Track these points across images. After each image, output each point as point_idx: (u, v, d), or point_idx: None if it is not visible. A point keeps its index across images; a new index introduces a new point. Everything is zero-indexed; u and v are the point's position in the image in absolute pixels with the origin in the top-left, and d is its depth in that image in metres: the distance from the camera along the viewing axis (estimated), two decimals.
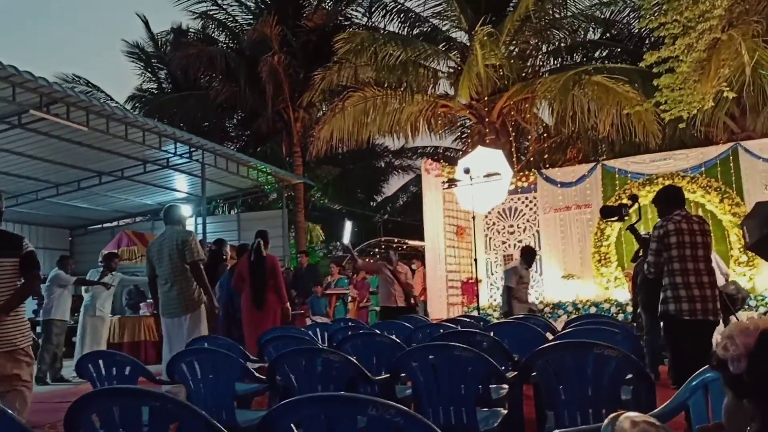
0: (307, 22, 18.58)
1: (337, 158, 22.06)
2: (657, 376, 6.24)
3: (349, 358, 3.38)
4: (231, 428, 3.35)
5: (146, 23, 21.70)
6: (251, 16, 20.13)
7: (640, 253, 6.27)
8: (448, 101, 14.45)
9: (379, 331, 4.85)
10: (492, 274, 12.71)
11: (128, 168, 13.59)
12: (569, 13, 15.02)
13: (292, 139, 18.95)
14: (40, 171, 12.92)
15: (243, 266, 7.23)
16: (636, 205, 5.22)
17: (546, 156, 15.23)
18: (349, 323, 6.71)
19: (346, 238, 10.05)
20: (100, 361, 3.90)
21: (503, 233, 12.74)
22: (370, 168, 26.29)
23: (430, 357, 3.30)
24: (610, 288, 11.27)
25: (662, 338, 6.42)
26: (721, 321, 4.46)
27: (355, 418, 1.74)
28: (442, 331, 4.79)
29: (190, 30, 21.48)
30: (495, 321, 8.42)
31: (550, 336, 4.71)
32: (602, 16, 15.77)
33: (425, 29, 16.30)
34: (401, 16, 16.35)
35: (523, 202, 12.62)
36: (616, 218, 5.32)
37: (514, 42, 14.71)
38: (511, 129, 14.53)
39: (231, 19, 20.46)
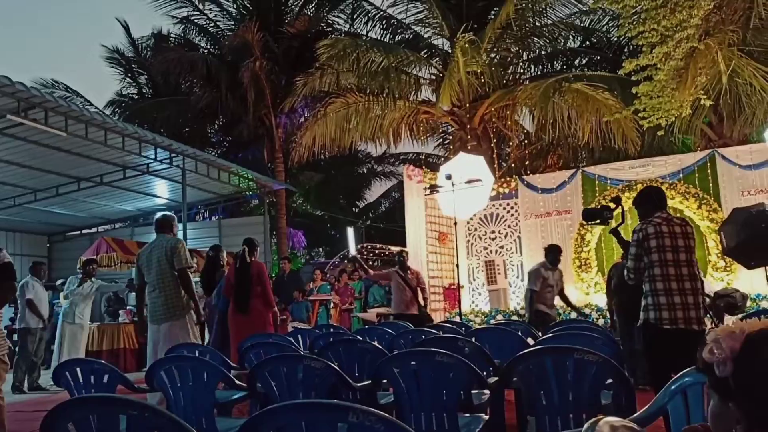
0: (289, 29, 18.57)
1: (319, 164, 22.03)
2: (636, 380, 6.28)
3: (331, 364, 3.36)
4: None
5: (126, 28, 21.56)
6: (233, 22, 20.08)
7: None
8: (430, 108, 14.50)
9: (360, 338, 4.83)
10: (474, 280, 12.74)
11: (108, 174, 13.47)
12: (549, 22, 15.17)
13: (274, 145, 18.89)
14: (17, 177, 12.74)
15: (231, 273, 7.31)
16: (619, 208, 4.96)
17: (527, 162, 15.35)
18: (331, 329, 6.70)
19: (353, 249, 9.87)
20: (78, 369, 3.84)
21: (485, 239, 12.79)
22: (352, 174, 26.30)
23: (412, 363, 3.29)
24: (591, 293, 11.35)
25: (637, 343, 6.48)
26: (706, 330, 4.13)
27: (335, 425, 1.73)
28: (423, 337, 4.78)
29: (171, 35, 21.39)
30: (477, 327, 8.44)
31: (531, 341, 4.72)
32: (582, 25, 15.96)
33: (407, 36, 16.38)
34: (383, 23, 16.41)
35: (504, 208, 12.67)
36: (598, 221, 5.05)
37: (495, 49, 14.81)
38: (492, 135, 14.61)
39: (212, 24, 20.40)
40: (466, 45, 12.30)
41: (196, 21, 20.26)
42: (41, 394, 8.50)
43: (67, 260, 14.11)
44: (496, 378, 3.43)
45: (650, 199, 4.32)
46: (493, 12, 15.17)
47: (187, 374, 3.68)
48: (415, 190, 12.52)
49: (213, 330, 7.60)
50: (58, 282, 9.33)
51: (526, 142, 15.98)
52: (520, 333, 5.17)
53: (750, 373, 1.11)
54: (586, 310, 10.98)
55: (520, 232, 12.45)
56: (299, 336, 6.17)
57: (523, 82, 15.02)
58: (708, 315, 5.49)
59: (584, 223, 11.47)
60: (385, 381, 3.44)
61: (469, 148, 13.42)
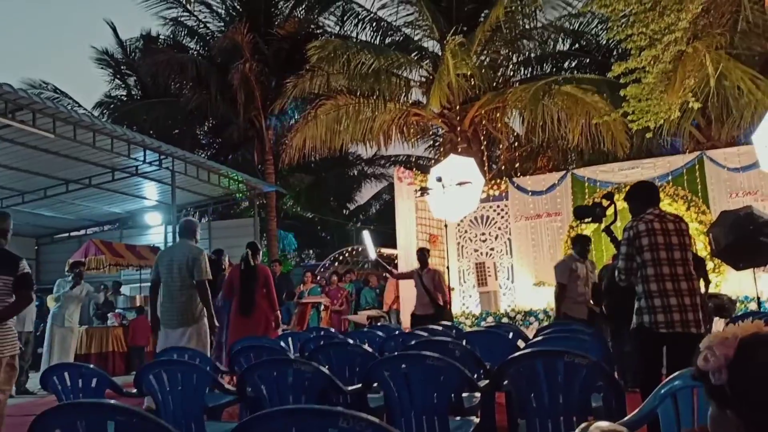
0: (279, 30, 18.53)
1: (309, 166, 22.00)
2: (626, 383, 6.28)
3: (321, 368, 3.35)
4: None
5: (114, 30, 21.43)
6: (222, 24, 20.02)
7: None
8: (421, 110, 14.52)
9: (351, 341, 4.82)
10: (464, 282, 12.75)
11: (96, 176, 13.39)
12: (539, 24, 15.23)
13: (264, 147, 18.84)
14: (4, 179, 12.64)
15: (233, 275, 7.51)
16: (612, 206, 4.70)
17: (517, 164, 15.39)
18: (322, 332, 6.68)
19: (372, 252, 9.67)
20: (66, 374, 3.81)
21: (475, 241, 12.80)
22: (342, 176, 26.28)
23: (403, 366, 3.29)
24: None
25: (628, 345, 6.48)
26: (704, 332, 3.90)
27: (326, 431, 1.72)
28: (414, 340, 4.78)
29: (161, 36, 21.29)
30: (467, 329, 8.46)
31: (521, 344, 4.73)
32: (571, 28, 16.02)
33: (397, 38, 16.38)
34: (374, 25, 16.41)
35: (494, 210, 12.70)
36: (590, 219, 4.79)
37: (485, 52, 14.85)
38: (482, 137, 14.64)
39: (202, 26, 20.32)
40: (456, 47, 12.32)
41: (185, 22, 20.18)
42: (29, 398, 8.42)
43: (55, 263, 14.00)
44: (487, 381, 3.43)
45: (642, 195, 4.11)
46: (483, 15, 15.20)
47: (176, 378, 3.66)
48: (406, 192, 12.53)
49: (223, 331, 7.68)
50: (56, 284, 9.26)
51: (516, 144, 16.03)
52: (510, 335, 5.18)
53: (745, 378, 1.10)
54: None
55: (510, 234, 12.47)
56: (289, 339, 6.15)
57: (513, 85, 15.07)
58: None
59: (573, 225, 11.59)
60: (375, 384, 3.44)
61: (459, 150, 13.44)
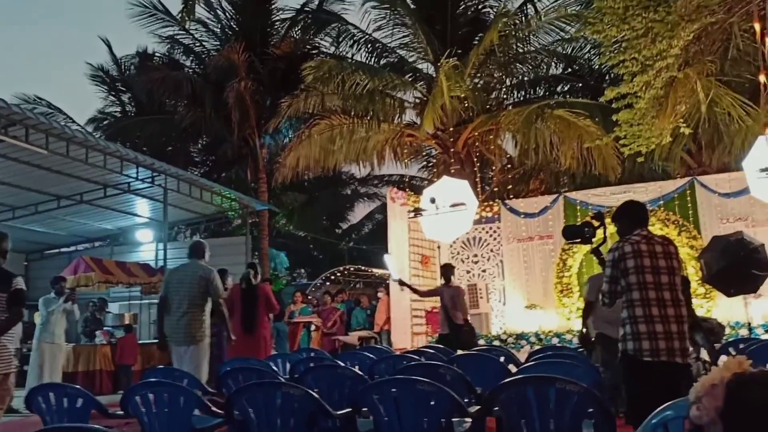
0: (275, 50, 18.62)
1: (302, 185, 21.98)
2: (617, 410, 6.21)
3: (310, 392, 3.31)
4: None
5: (109, 46, 21.48)
6: (218, 42, 20.09)
7: None
8: (414, 131, 14.58)
9: (341, 363, 4.78)
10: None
11: (88, 192, 13.33)
12: (532, 48, 15.37)
13: (258, 165, 18.83)
14: None
15: (234, 294, 7.68)
16: (602, 227, 4.47)
17: (510, 187, 15.45)
18: (312, 354, 6.63)
19: (395, 274, 9.50)
20: (51, 394, 3.76)
21: (467, 262, 12.79)
22: (335, 195, 26.27)
23: (393, 390, 3.26)
24: (572, 318, 11.37)
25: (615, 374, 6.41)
26: (693, 362, 3.77)
27: None
28: (405, 362, 4.74)
29: (156, 54, 21.34)
30: (459, 351, 8.38)
31: (513, 368, 4.70)
32: (564, 52, 16.18)
33: (392, 60, 16.49)
34: (368, 46, 16.52)
35: (487, 232, 12.71)
36: (579, 240, 4.57)
37: (478, 75, 14.96)
38: (475, 159, 14.70)
39: (198, 44, 20.38)
40: (450, 70, 12.42)
41: (181, 40, 20.24)
42: (14, 416, 8.28)
43: (45, 279, 13.79)
44: (478, 406, 3.40)
45: (630, 215, 3.95)
46: (477, 38, 15.34)
47: (163, 400, 3.62)
48: (399, 212, 12.53)
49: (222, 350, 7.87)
50: (40, 301, 9.14)
51: (509, 166, 16.10)
52: (501, 359, 5.15)
53: (740, 424, 1.09)
54: (567, 336, 11.00)
55: (502, 256, 12.48)
56: (279, 360, 6.09)
57: (506, 108, 15.17)
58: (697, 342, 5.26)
59: (566, 248, 11.62)
60: (365, 409, 3.40)
61: (452, 171, 13.48)
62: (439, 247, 10.17)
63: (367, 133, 14.27)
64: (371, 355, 5.69)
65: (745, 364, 1.13)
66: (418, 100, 15.03)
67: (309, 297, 14.83)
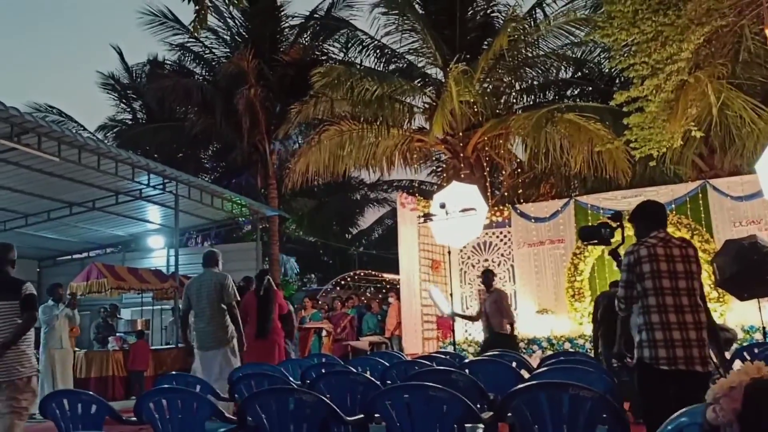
0: (284, 56, 18.72)
1: (312, 191, 22.04)
2: (635, 416, 6.16)
3: (322, 397, 3.32)
4: None
5: (121, 54, 21.67)
6: (228, 49, 20.23)
7: None
8: (424, 136, 14.58)
9: (353, 369, 4.78)
10: (467, 309, 12.67)
11: (100, 199, 13.42)
12: (542, 53, 15.35)
13: (268, 172, 18.91)
14: (8, 201, 12.69)
15: (249, 301, 7.90)
16: (620, 227, 4.27)
17: (520, 191, 15.41)
18: (323, 359, 6.64)
19: (447, 308, 9.40)
20: (65, 401, 3.78)
21: (478, 267, 12.74)
22: (345, 201, 26.31)
23: (405, 396, 3.26)
24: (584, 323, 11.31)
25: (627, 377, 6.37)
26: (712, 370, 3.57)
27: None
28: (417, 368, 4.74)
29: (167, 62, 21.50)
30: (470, 357, 8.36)
31: (525, 373, 4.68)
32: (574, 56, 16.16)
33: (401, 65, 16.53)
34: (377, 52, 16.57)
35: (497, 237, 12.67)
36: (596, 241, 4.39)
37: (488, 79, 14.96)
38: (485, 164, 14.68)
39: (208, 51, 20.53)
40: (459, 75, 12.42)
41: (191, 48, 20.40)
42: (28, 422, 8.33)
43: None
44: (491, 413, 3.39)
45: (647, 216, 3.79)
46: (486, 43, 15.35)
47: (176, 406, 3.63)
48: (409, 217, 12.52)
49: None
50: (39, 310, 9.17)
51: (519, 170, 16.06)
52: (514, 364, 5.13)
53: (757, 425, 1.08)
54: (579, 341, 10.94)
55: (513, 261, 12.42)
56: (289, 366, 6.10)
57: (516, 112, 15.15)
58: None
59: (576, 252, 11.56)
60: (377, 415, 3.40)
61: (462, 176, 13.47)
62: (449, 252, 10.12)
63: (376, 138, 14.28)
64: (383, 361, 5.69)
65: (764, 370, 1.13)
66: (427, 106, 15.04)
67: (319, 302, 14.83)
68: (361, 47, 16.91)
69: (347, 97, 14.06)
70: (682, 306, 3.49)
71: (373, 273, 21.69)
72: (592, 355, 7.44)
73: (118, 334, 12.06)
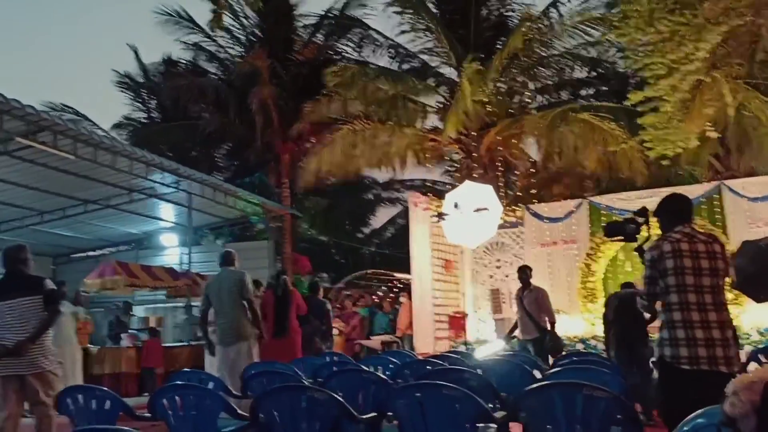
0: (298, 56, 18.76)
1: (325, 190, 22.05)
2: (648, 418, 6.12)
3: (335, 395, 3.32)
4: None
5: (136, 53, 21.84)
6: (242, 49, 20.30)
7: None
8: (437, 135, 14.57)
9: (365, 367, 4.79)
10: (479, 308, 12.66)
11: (114, 197, 13.51)
12: (556, 52, 15.27)
13: (281, 170, 18.96)
14: (24, 198, 12.80)
15: (268, 300, 8.11)
16: (645, 223, 4.10)
17: (533, 191, 15.34)
18: (335, 357, 6.65)
19: (504, 338, 9.17)
20: (80, 396, 3.81)
21: (490, 267, 12.73)
22: (357, 200, 26.31)
23: (418, 395, 3.26)
24: (597, 324, 11.24)
25: (638, 379, 6.33)
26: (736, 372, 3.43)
27: None
28: (429, 367, 4.74)
29: (181, 61, 21.63)
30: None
31: (537, 374, 4.67)
32: (589, 55, 16.05)
33: (415, 64, 16.52)
34: (391, 51, 16.57)
35: (510, 237, 12.63)
36: (622, 237, 4.23)
37: (502, 79, 14.91)
38: (499, 164, 14.64)
39: (222, 51, 20.62)
40: (473, 74, 12.41)
41: (206, 47, 20.51)
42: None
43: (72, 282, 14.04)
44: (504, 412, 3.38)
45: (671, 209, 3.72)
46: (500, 42, 15.31)
47: (189, 402, 3.65)
48: (421, 217, 12.52)
49: None
50: None
51: (532, 170, 15.99)
52: (526, 365, 5.12)
53: None
54: (592, 342, 10.88)
55: (525, 261, 12.36)
56: (301, 364, 6.11)
57: (530, 112, 15.10)
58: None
59: (590, 253, 11.49)
60: (390, 413, 3.40)
61: (475, 175, 13.45)
62: (462, 252, 10.14)
63: (389, 137, 14.28)
64: (395, 360, 5.69)
65: None
66: (440, 105, 15.03)
67: (331, 301, 14.86)
68: (374, 46, 16.93)
69: (360, 96, 14.09)
70: (706, 304, 3.42)
71: (385, 272, 21.69)
72: (605, 356, 7.38)
73: (131, 332, 12.14)
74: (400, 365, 5.30)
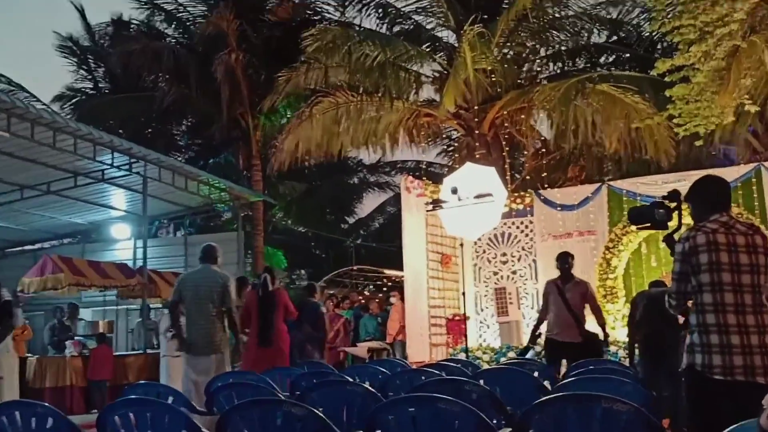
0: (271, 16, 18.68)
1: (302, 173, 22.06)
2: None
3: (315, 411, 3.33)
4: None
5: (81, 13, 21.61)
6: (205, 8, 20.17)
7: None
8: (433, 109, 14.55)
9: (350, 378, 4.80)
10: (482, 310, 12.71)
11: (56, 181, 13.42)
12: (571, 13, 15.27)
13: (251, 150, 18.92)
14: None
15: (250, 301, 8.04)
16: (677, 208, 4.02)
17: (544, 174, 15.39)
18: (315, 367, 6.67)
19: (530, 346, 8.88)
20: (17, 413, 3.80)
21: (495, 263, 12.78)
22: (341, 185, 26.34)
23: (410, 410, 3.28)
24: (617, 328, 11.33)
25: (667, 390, 6.39)
26: None
27: None
28: (424, 378, 4.76)
29: (134, 22, 21.46)
30: (485, 366, 8.38)
31: (548, 385, 4.70)
32: (609, 17, 16.06)
33: (407, 27, 16.45)
34: (380, 11, 16.47)
35: (518, 227, 12.68)
36: (649, 225, 4.15)
37: (508, 44, 14.91)
38: (504, 143, 14.66)
39: (182, 10, 20.47)
40: (475, 38, 12.38)
41: (163, 6, 20.36)
42: None
43: (7, 280, 13.95)
44: (509, 429, 3.41)
45: (707, 194, 3.66)
46: (506, 1, 15.29)
47: (145, 420, 3.64)
48: (415, 204, 12.53)
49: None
50: None
51: (543, 150, 16.03)
52: (535, 374, 5.15)
53: None
54: (612, 348, 10.96)
55: (535, 255, 12.44)
56: (277, 375, 6.13)
57: (541, 82, 15.11)
58: None
59: (610, 246, 11.57)
60: (378, 431, 3.42)
61: (477, 156, 13.46)
62: (462, 245, 10.18)
63: (377, 112, 14.26)
64: (384, 370, 5.71)
65: None
66: (437, 74, 15.00)
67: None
68: (360, 5, 16.79)
69: (344, 63, 14.02)
70: (744, 305, 3.37)
71: (373, 269, 21.74)
72: (627, 363, 7.45)
73: (76, 338, 12.10)
74: (391, 375, 5.32)
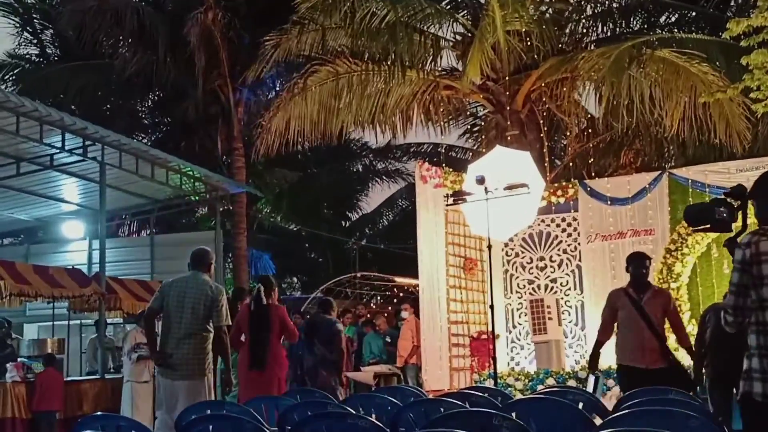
0: None
1: (295, 159, 22.10)
2: None
3: None
4: None
5: None
6: None
7: None
8: (454, 81, 14.55)
9: (352, 410, 4.80)
10: (514, 327, 12.70)
11: None
12: None
13: (232, 131, 18.95)
14: None
15: (242, 318, 8.19)
16: (742, 207, 4.05)
17: (591, 161, 15.37)
18: (309, 396, 6.67)
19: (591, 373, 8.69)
20: None
21: (530, 269, 12.76)
22: (341, 173, 26.42)
23: None
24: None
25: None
26: None
27: None
28: (443, 410, 4.75)
29: None
30: (518, 395, 8.37)
31: (597, 420, 4.70)
32: None
33: None
34: None
35: (558, 225, 12.66)
36: (708, 226, 4.21)
37: (547, 0, 14.87)
38: (542, 122, 14.65)
39: None
40: None
41: None
42: None
43: None
44: None
45: None
46: None
47: None
48: (432, 197, 12.53)
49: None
50: None
51: (589, 131, 16.01)
52: (580, 405, 5.14)
53: None
54: None
55: (580, 260, 12.43)
56: (262, 405, 6.14)
57: (587, 47, 15.07)
58: None
59: (671, 248, 11.53)
60: None
61: (508, 138, 13.45)
62: (489, 247, 10.13)
63: (386, 84, 14.25)
64: (394, 400, 5.70)
65: None
66: (459, 38, 14.99)
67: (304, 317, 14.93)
68: None
69: (345, 25, 14.02)
70: None
71: (380, 276, 21.77)
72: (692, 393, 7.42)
73: (20, 360, 12.14)
74: (402, 407, 5.31)
